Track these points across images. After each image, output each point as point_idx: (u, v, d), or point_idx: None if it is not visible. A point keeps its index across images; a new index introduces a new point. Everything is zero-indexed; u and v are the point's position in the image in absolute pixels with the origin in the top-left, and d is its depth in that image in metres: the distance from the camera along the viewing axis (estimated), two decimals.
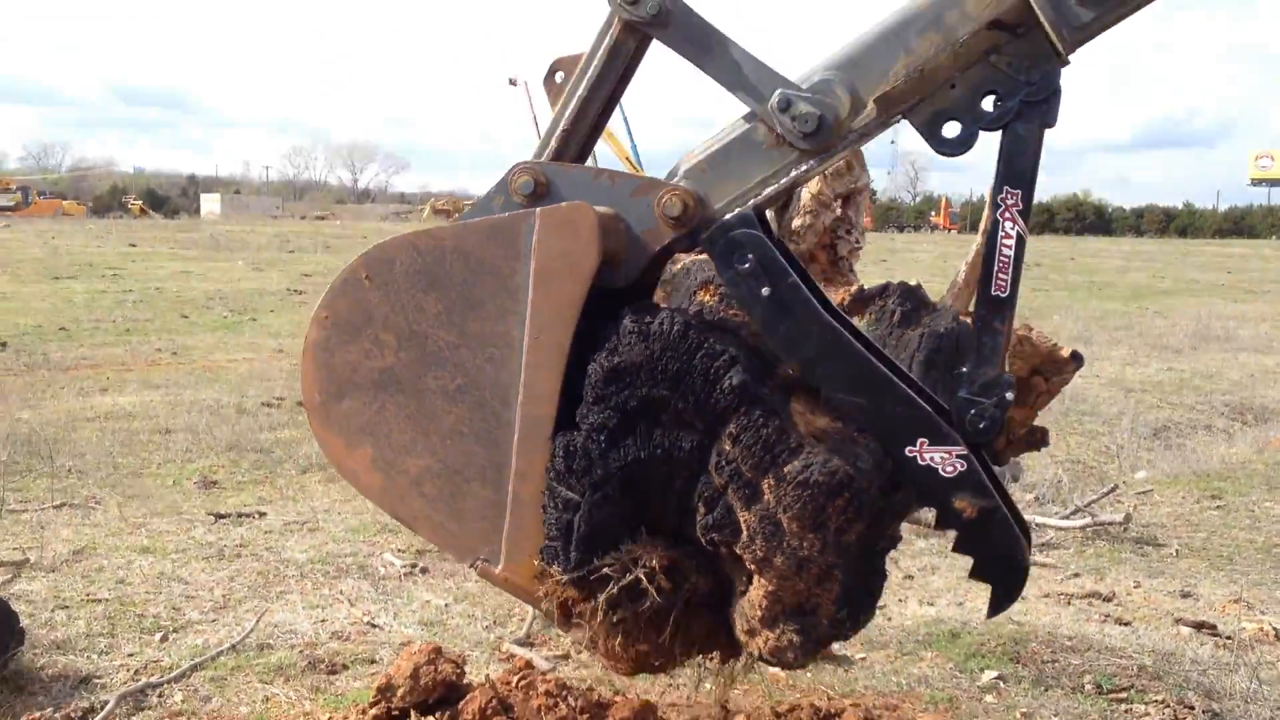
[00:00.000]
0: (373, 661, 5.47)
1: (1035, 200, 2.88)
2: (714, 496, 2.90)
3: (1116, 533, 8.08)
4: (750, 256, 2.86)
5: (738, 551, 2.89)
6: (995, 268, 2.85)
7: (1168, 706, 5.24)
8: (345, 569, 6.86)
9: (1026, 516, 8.14)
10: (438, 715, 4.52)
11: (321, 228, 55.42)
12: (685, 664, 3.23)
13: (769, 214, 3.33)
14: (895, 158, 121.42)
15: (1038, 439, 3.89)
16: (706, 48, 2.95)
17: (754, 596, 2.91)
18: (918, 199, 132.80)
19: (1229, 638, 6.13)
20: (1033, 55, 2.77)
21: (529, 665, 5.12)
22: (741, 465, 2.83)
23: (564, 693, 4.66)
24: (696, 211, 2.98)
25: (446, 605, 6.34)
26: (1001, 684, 5.47)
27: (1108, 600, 6.76)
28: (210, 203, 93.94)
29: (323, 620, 6.03)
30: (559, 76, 3.15)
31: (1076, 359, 3.83)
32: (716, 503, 2.89)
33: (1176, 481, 9.83)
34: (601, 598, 2.95)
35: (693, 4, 3.00)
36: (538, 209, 2.94)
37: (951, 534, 2.97)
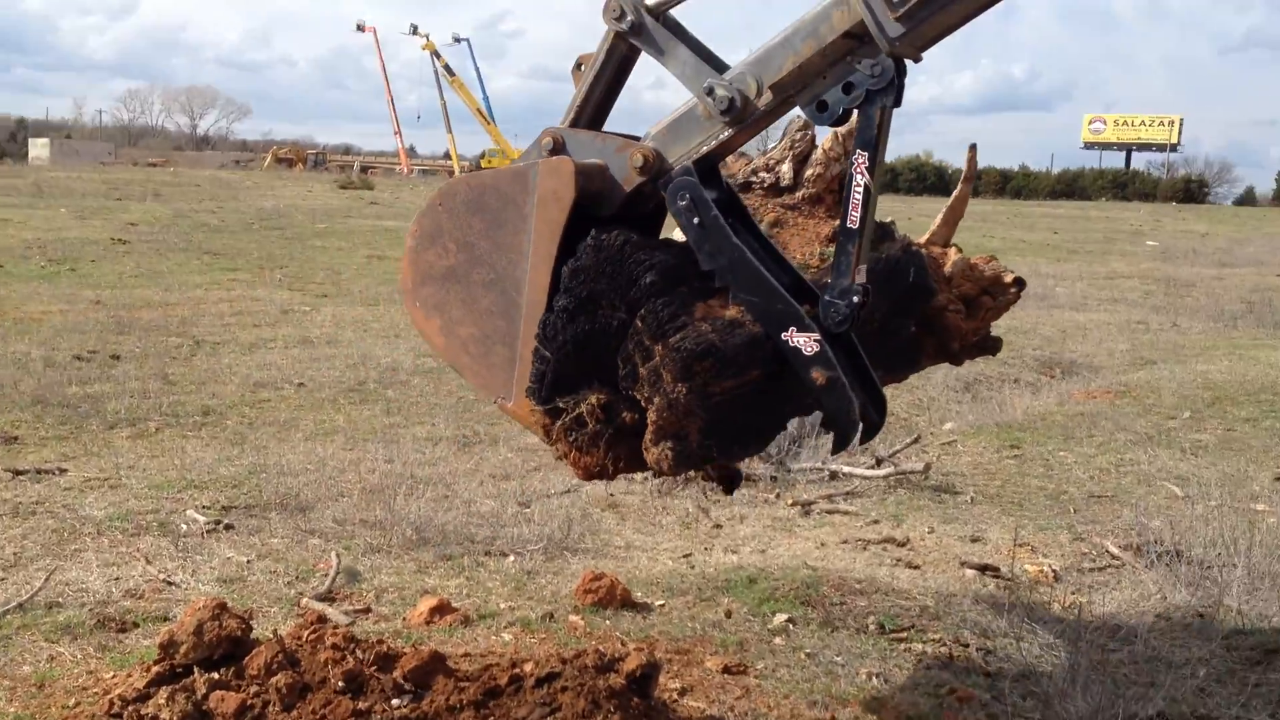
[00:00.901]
0: (165, 619, 5.39)
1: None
2: (627, 356, 3.89)
3: (917, 481, 8.40)
4: (688, 196, 3.93)
5: (635, 394, 3.87)
6: (849, 207, 3.81)
7: (944, 645, 5.51)
8: (145, 526, 6.74)
9: (834, 467, 8.43)
10: (223, 671, 4.50)
11: (154, 175, 53.48)
12: (623, 474, 4.15)
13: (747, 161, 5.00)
14: None
15: (990, 346, 5.15)
16: (665, 50, 4.00)
17: (648, 424, 3.84)
18: None
19: (1010, 579, 6.46)
20: (875, 56, 3.66)
21: (321, 619, 5.11)
22: (644, 336, 3.83)
23: (352, 645, 4.68)
24: (655, 164, 3.99)
25: (248, 562, 6.28)
26: (791, 626, 5.68)
27: (901, 545, 7.04)
28: (38, 148, 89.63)
29: (116, 578, 5.93)
30: (583, 67, 4.17)
31: (1019, 283, 5.04)
32: (629, 361, 3.89)
33: (980, 432, 10.25)
34: (559, 424, 3.98)
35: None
36: (539, 160, 4.03)
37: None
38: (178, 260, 21.59)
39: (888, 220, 4.67)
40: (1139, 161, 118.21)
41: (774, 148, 5.14)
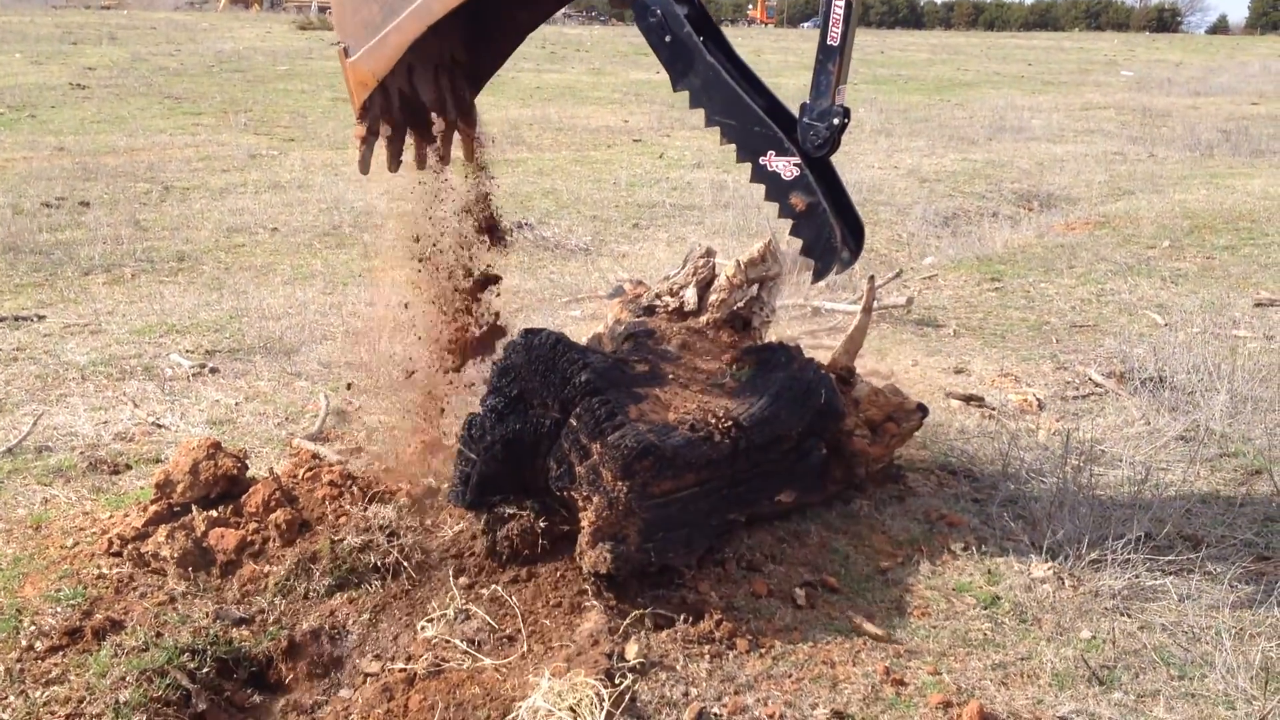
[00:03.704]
0: (157, 461, 5.39)
1: None
2: (561, 457, 3.89)
3: (900, 315, 8.41)
4: (658, 12, 3.87)
5: (572, 494, 3.85)
6: (829, 23, 3.74)
7: (932, 473, 5.57)
8: (130, 370, 6.69)
9: (817, 304, 8.42)
10: (220, 509, 4.53)
11: (108, 18, 51.76)
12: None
13: None
14: None
15: (894, 476, 5.30)
16: None
17: (583, 526, 3.82)
18: None
19: (994, 409, 6.51)
20: None
21: (315, 458, 5.12)
22: (580, 434, 3.82)
23: (349, 483, 4.71)
24: None
25: (237, 404, 6.26)
26: None
27: (885, 379, 7.04)
28: None
29: (105, 422, 5.90)
30: None
31: (922, 409, 5.28)
32: (563, 461, 3.88)
33: (960, 266, 10.23)
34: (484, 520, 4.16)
35: None
36: None
37: None
38: (139, 105, 21.07)
39: (792, 344, 4.88)
40: None
41: (677, 273, 5.33)
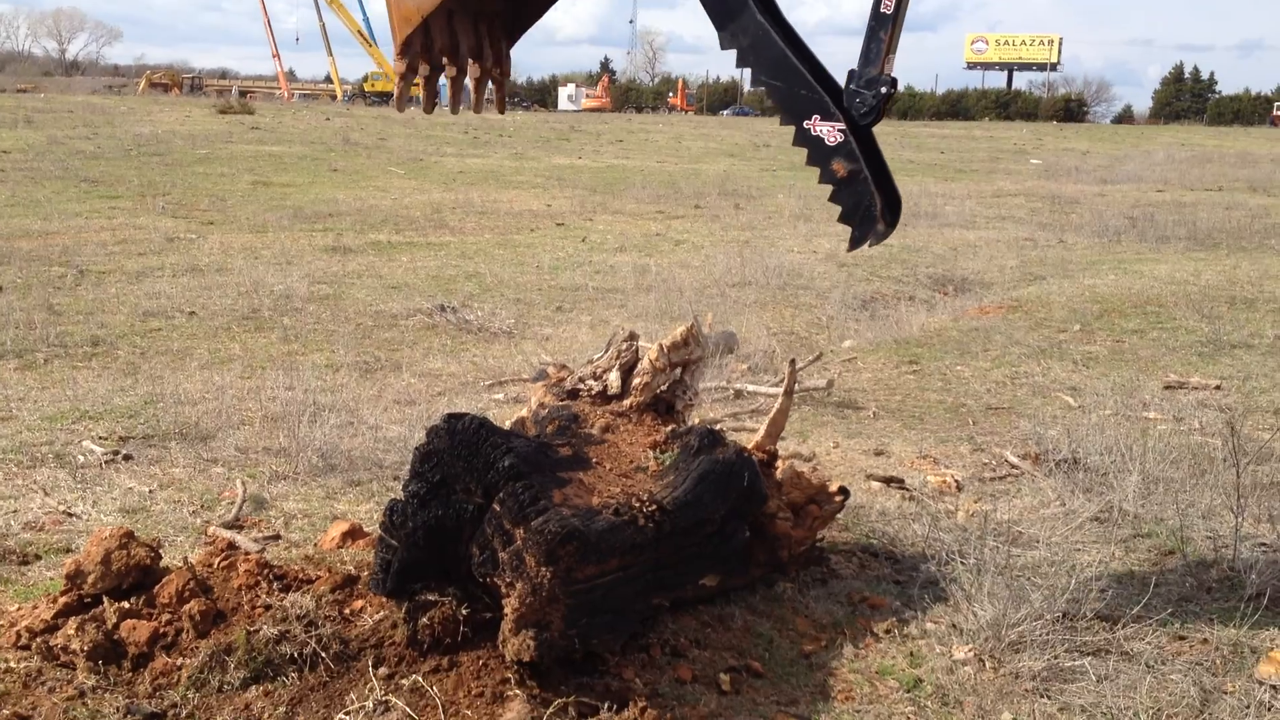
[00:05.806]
0: (68, 551, 5.25)
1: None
2: (485, 542, 3.83)
3: (820, 398, 8.50)
4: None
5: (495, 580, 3.79)
6: None
7: (854, 555, 5.60)
8: (40, 458, 6.54)
9: (739, 386, 8.46)
10: (133, 600, 4.41)
11: (24, 101, 51.23)
12: None
13: None
14: (635, 39, 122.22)
15: (817, 560, 5.27)
16: None
17: (507, 613, 3.74)
18: (656, 80, 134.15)
19: (914, 491, 6.58)
20: None
21: (231, 546, 5.02)
22: (503, 520, 3.77)
23: (266, 571, 4.62)
24: None
25: (150, 492, 6.14)
26: None
27: (808, 460, 7.12)
28: None
29: (14, 511, 5.75)
30: None
31: (843, 492, 5.31)
32: (486, 546, 3.83)
33: (878, 349, 10.39)
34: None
35: None
36: None
37: None
38: (55, 188, 20.85)
39: (715, 427, 4.90)
40: (1020, 81, 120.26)
41: (601, 357, 5.38)
